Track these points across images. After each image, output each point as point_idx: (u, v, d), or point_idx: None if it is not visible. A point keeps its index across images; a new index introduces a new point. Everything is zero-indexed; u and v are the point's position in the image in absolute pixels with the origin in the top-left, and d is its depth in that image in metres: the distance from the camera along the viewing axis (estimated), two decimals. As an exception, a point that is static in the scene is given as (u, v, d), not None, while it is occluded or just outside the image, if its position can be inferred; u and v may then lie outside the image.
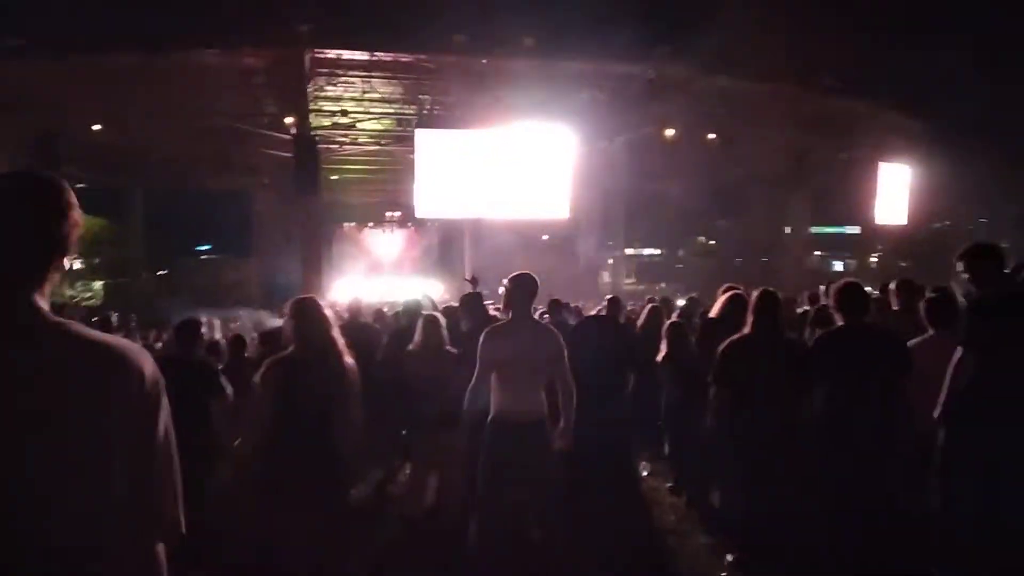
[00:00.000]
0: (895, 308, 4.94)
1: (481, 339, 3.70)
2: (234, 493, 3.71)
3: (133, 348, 1.27)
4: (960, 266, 3.53)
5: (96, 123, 17.26)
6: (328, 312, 3.44)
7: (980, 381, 3.34)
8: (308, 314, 3.32)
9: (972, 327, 3.41)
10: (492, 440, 3.65)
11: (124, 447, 1.19)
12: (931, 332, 4.03)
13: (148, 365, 1.25)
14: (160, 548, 1.28)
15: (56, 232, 1.25)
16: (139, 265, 24.04)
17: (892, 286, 5.17)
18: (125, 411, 1.20)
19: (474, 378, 3.67)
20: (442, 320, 4.71)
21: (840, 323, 3.92)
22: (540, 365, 3.64)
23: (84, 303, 19.86)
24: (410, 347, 4.69)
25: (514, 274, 3.80)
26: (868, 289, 5.99)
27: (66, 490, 1.15)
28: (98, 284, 23.38)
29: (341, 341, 3.37)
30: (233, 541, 3.35)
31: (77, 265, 25.01)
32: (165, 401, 1.28)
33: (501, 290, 4.20)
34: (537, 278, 3.79)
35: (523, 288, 3.73)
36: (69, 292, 23.40)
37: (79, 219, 1.30)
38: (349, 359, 3.36)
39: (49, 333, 1.19)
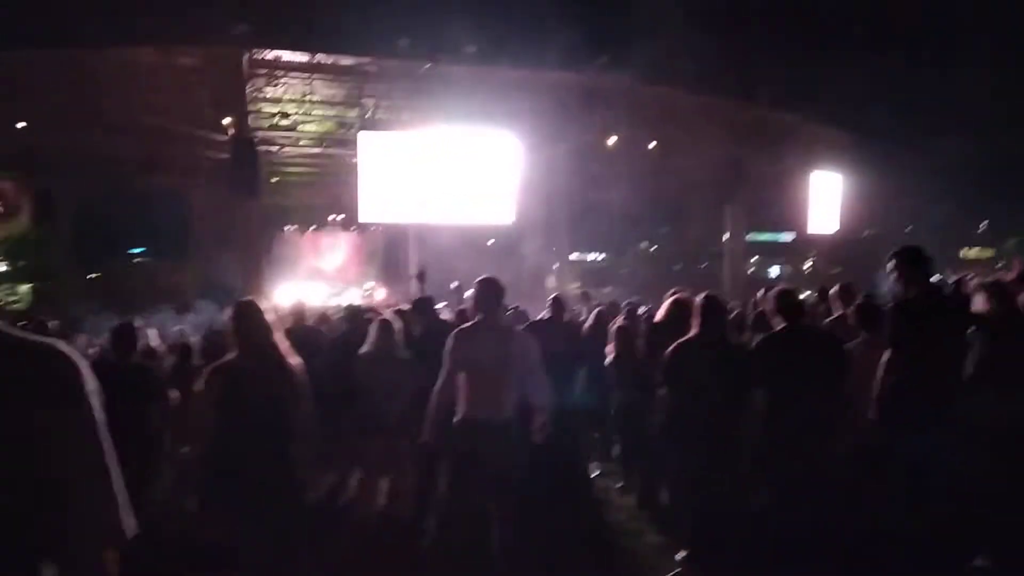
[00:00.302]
0: (837, 312, 5.10)
1: (450, 340, 3.73)
2: (177, 500, 3.59)
3: (64, 349, 1.22)
4: (891, 266, 3.67)
5: (21, 120, 16.52)
6: (269, 315, 3.36)
7: (907, 380, 3.49)
8: (248, 317, 3.24)
9: (898, 328, 3.57)
10: (458, 440, 3.65)
11: (60, 451, 1.14)
12: (863, 335, 4.20)
13: (80, 366, 1.21)
14: (108, 554, 1.23)
15: None
16: (67, 268, 23.04)
17: (833, 291, 5.34)
18: (59, 414, 1.15)
19: (440, 379, 3.68)
20: (396, 324, 4.67)
21: (779, 326, 4.05)
22: (509, 367, 3.65)
23: (9, 307, 18.97)
24: (363, 350, 4.63)
25: (481, 278, 3.85)
26: (808, 293, 6.21)
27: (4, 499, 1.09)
28: (24, 288, 22.32)
29: (285, 343, 3.30)
30: (178, 549, 3.24)
31: (1, 268, 23.86)
32: (99, 404, 1.23)
33: (467, 294, 4.23)
34: (456, 278, 3.89)
35: (491, 291, 3.77)
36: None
37: None
38: (295, 360, 3.29)
39: None
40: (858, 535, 3.65)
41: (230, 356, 3.22)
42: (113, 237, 24.43)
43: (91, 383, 1.21)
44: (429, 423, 3.77)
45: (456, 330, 3.88)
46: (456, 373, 3.67)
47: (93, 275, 24.46)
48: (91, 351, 6.13)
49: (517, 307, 6.82)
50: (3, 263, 23.08)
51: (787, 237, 29.45)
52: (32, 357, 1.16)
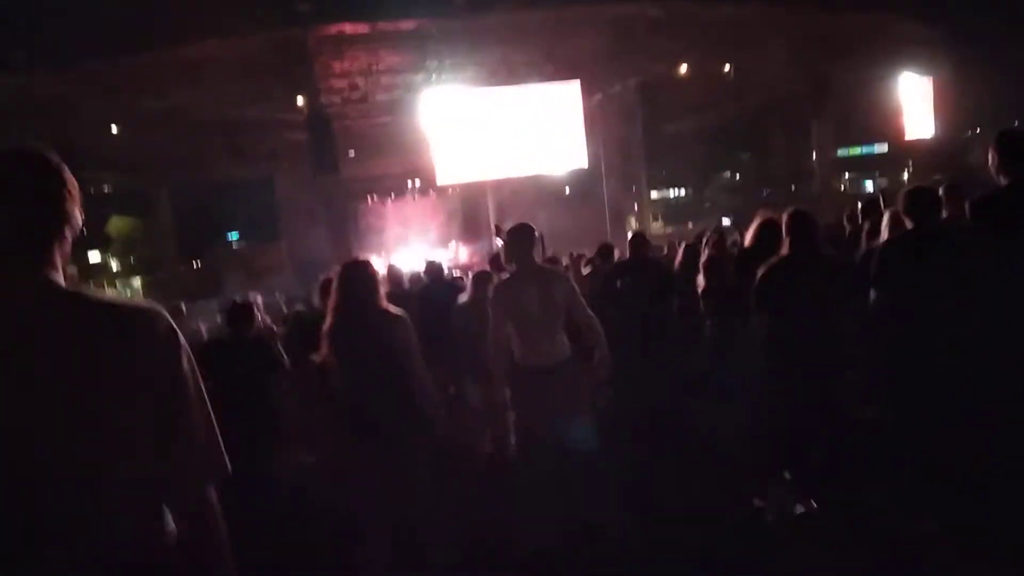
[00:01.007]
0: (945, 215, 4.71)
1: (491, 295, 3.74)
2: (311, 465, 3.84)
3: (145, 307, 1.29)
4: (990, 154, 3.34)
5: (113, 125, 17.47)
6: (373, 273, 3.44)
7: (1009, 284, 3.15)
8: (354, 277, 3.36)
9: (987, 223, 3.26)
10: (518, 387, 3.69)
11: (153, 402, 1.23)
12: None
13: (163, 320, 1.28)
14: (211, 491, 1.33)
15: (53, 205, 1.28)
16: (172, 259, 24.49)
17: (940, 192, 4.89)
18: (147, 366, 1.23)
19: (492, 330, 3.69)
20: (494, 277, 4.77)
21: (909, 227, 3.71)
22: (553, 312, 3.62)
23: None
24: (461, 300, 4.78)
25: (511, 226, 3.80)
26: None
27: (105, 452, 1.18)
28: (136, 281, 23.89)
29: (381, 295, 3.39)
30: (314, 509, 3.47)
31: (114, 266, 25.59)
32: (185, 351, 1.30)
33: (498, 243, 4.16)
34: (535, 227, 3.78)
35: (521, 238, 3.71)
36: (111, 291, 24.03)
37: (75, 191, 1.32)
38: (395, 309, 3.39)
39: (63, 301, 1.23)
40: (977, 462, 3.40)
41: (336, 316, 3.32)
42: (209, 226, 25.70)
43: (174, 332, 1.29)
44: (496, 372, 3.76)
45: (495, 284, 3.85)
46: (502, 324, 3.66)
47: (196, 263, 25.91)
48: (207, 329, 6.54)
49: (606, 247, 6.78)
50: (115, 260, 24.77)
51: (880, 148, 27.94)
52: (115, 315, 1.24)
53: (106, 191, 21.64)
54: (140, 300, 1.35)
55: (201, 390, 1.32)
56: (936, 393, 3.49)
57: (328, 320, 3.35)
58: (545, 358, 3.61)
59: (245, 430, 3.28)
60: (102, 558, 1.18)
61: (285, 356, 4.22)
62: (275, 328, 5.62)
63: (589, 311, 3.72)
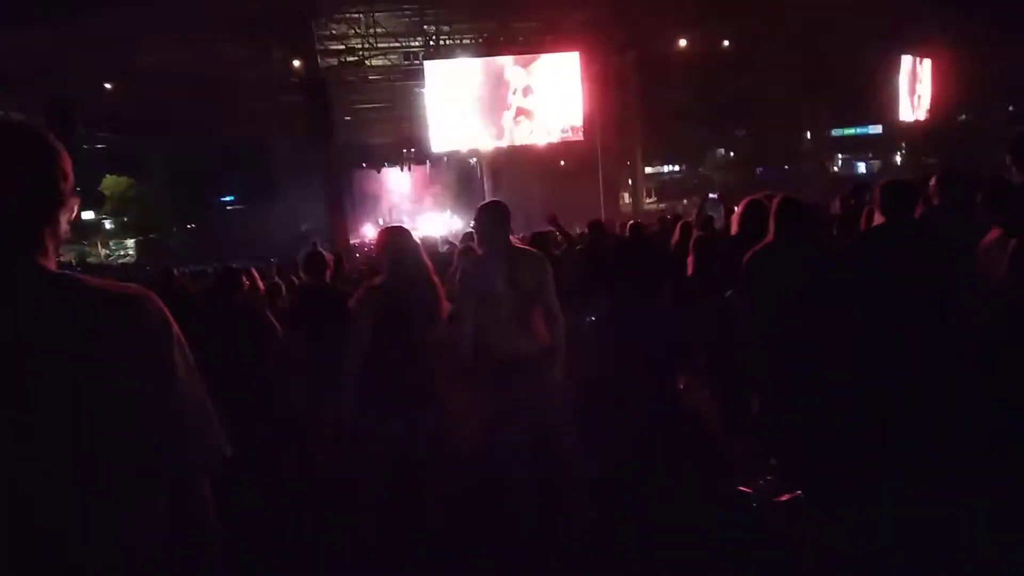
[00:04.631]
0: (935, 203, 4.66)
1: (458, 276, 3.47)
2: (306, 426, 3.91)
3: (134, 290, 1.22)
4: (1008, 159, 3.35)
5: (108, 83, 17.31)
6: (417, 240, 3.43)
7: None
8: (400, 243, 3.35)
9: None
10: (486, 381, 3.41)
11: (142, 390, 1.17)
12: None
13: (153, 304, 1.22)
14: (204, 485, 1.28)
15: (48, 186, 1.20)
16: (168, 220, 24.40)
17: (932, 180, 4.82)
18: (135, 354, 1.16)
19: (458, 318, 3.36)
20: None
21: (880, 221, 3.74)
22: (526, 296, 3.31)
23: (119, 261, 20.29)
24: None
25: (483, 203, 3.52)
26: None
27: (87, 442, 1.12)
28: (130, 241, 23.83)
29: (430, 266, 3.37)
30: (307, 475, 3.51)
31: (108, 225, 25.42)
32: (177, 335, 1.23)
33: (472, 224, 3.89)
34: (507, 204, 3.49)
35: (492, 216, 3.40)
36: (104, 251, 23.90)
37: (68, 170, 1.22)
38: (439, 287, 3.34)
39: (49, 286, 1.16)
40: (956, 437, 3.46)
41: (381, 278, 3.30)
42: (204, 188, 25.51)
43: (164, 316, 1.22)
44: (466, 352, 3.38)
45: (463, 264, 3.60)
46: (469, 309, 3.32)
47: (191, 225, 25.81)
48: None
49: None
50: (109, 220, 24.62)
51: (875, 130, 27.97)
52: (101, 301, 1.17)
53: (100, 148, 21.39)
54: (130, 285, 1.26)
55: (194, 375, 1.26)
56: (908, 382, 3.59)
57: (376, 281, 3.31)
58: (514, 350, 3.30)
59: (235, 399, 3.32)
60: (86, 552, 1.12)
61: (276, 323, 4.27)
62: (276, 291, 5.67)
63: (555, 301, 3.42)
